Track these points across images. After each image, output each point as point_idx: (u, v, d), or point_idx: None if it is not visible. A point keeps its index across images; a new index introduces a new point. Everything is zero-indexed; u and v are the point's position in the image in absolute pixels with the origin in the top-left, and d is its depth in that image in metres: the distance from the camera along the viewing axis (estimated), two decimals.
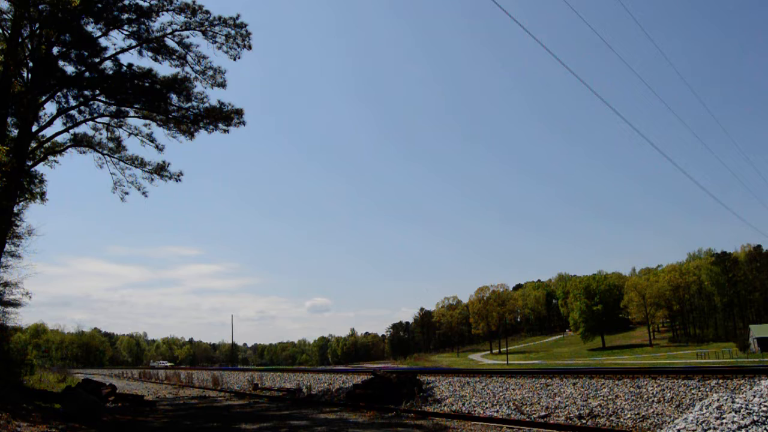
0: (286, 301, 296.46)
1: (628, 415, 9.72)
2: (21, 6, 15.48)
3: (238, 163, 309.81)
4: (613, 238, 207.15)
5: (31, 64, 16.99)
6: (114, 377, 44.19)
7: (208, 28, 18.50)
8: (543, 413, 10.79)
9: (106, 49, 18.45)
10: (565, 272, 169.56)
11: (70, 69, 18.52)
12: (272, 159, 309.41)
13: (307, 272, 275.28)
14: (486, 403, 12.19)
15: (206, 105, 19.50)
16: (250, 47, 19.08)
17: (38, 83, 16.87)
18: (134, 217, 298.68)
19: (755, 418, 5.95)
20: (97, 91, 18.90)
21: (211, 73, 19.26)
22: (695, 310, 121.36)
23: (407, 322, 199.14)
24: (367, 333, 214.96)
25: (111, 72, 18.67)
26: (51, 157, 20.11)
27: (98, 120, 19.71)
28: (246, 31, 18.76)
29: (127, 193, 20.82)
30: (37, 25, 16.73)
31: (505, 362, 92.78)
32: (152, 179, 20.52)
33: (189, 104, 19.40)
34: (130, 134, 20.33)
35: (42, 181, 19.98)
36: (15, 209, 17.33)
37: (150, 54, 18.77)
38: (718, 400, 6.67)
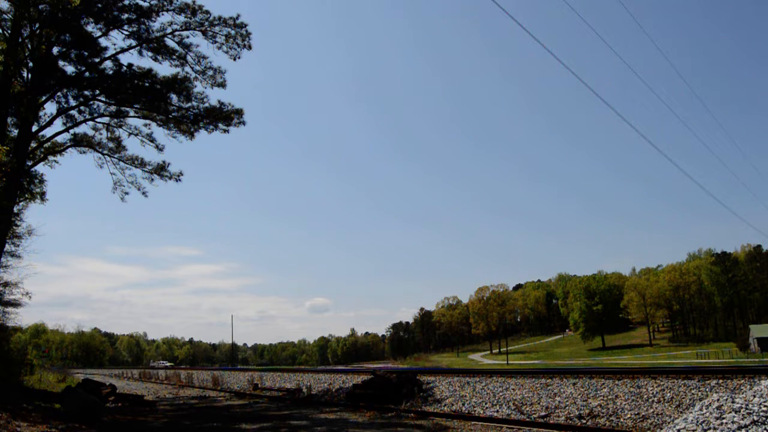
0: (286, 301, 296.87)
1: (628, 415, 9.72)
2: (21, 6, 15.48)
3: (238, 163, 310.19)
4: (613, 238, 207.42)
5: (31, 64, 16.99)
6: (114, 377, 44.19)
7: (208, 28, 18.50)
8: (543, 413, 10.79)
9: (106, 49, 18.47)
10: (565, 272, 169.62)
11: (70, 69, 18.54)
12: (272, 159, 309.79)
13: (307, 272, 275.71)
14: (486, 403, 12.19)
15: (206, 105, 19.51)
16: (250, 47, 19.09)
17: (38, 83, 16.86)
18: (134, 217, 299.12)
19: (755, 418, 5.95)
20: (97, 91, 18.90)
21: (211, 73, 19.28)
22: (695, 310, 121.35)
23: (407, 322, 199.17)
24: (367, 333, 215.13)
25: (111, 72, 18.67)
26: (51, 157, 20.11)
27: (98, 120, 19.72)
28: (246, 31, 18.77)
29: (127, 193, 20.84)
30: (37, 25, 16.72)
31: (505, 362, 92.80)
32: (152, 179, 20.53)
33: (189, 104, 19.41)
34: (130, 134, 20.35)
35: (42, 181, 19.99)
36: (15, 209, 17.32)
37: (150, 54, 18.77)
38: (718, 400, 6.67)
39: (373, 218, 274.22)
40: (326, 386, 18.94)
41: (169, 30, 18.44)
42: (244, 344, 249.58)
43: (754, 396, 6.51)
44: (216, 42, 18.73)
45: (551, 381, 12.81)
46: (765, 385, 6.77)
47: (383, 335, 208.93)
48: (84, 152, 20.42)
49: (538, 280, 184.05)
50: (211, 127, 19.90)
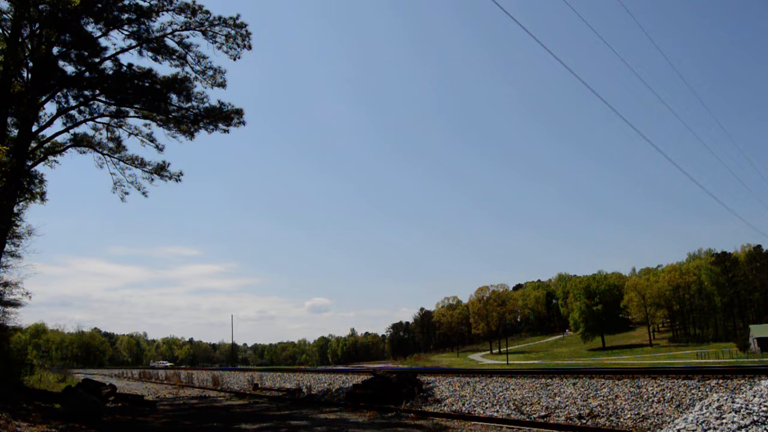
0: (286, 301, 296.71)
1: (628, 415, 9.72)
2: (21, 6, 15.49)
3: (238, 163, 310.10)
4: (613, 238, 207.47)
5: (31, 64, 17.00)
6: (114, 377, 44.19)
7: (208, 28, 18.51)
8: (543, 413, 10.79)
9: (106, 49, 18.49)
10: (565, 272, 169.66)
11: (70, 69, 18.57)
12: (272, 159, 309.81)
13: (307, 272, 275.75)
14: (486, 403, 12.19)
15: (206, 105, 19.54)
16: (250, 47, 19.11)
17: (38, 83, 16.87)
18: (134, 217, 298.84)
19: (755, 418, 5.95)
20: (97, 91, 18.92)
21: (211, 73, 19.30)
22: (695, 310, 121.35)
23: (407, 322, 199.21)
24: (367, 333, 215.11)
25: (111, 72, 18.69)
26: (51, 157, 20.13)
27: (98, 120, 19.75)
28: (246, 31, 18.79)
29: (127, 193, 20.87)
30: (37, 25, 16.74)
31: (505, 362, 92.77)
32: (152, 179, 20.55)
33: (189, 104, 19.43)
34: (130, 134, 20.38)
35: (42, 181, 20.00)
36: (15, 209, 17.33)
37: (150, 54, 18.79)
38: (718, 400, 6.67)
39: (373, 218, 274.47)
40: (326, 386, 18.94)
41: (169, 30, 18.46)
42: (244, 344, 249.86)
43: (754, 396, 6.52)
44: (216, 42, 18.75)
45: (551, 381, 12.81)
46: (765, 385, 6.77)
47: (383, 335, 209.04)
48: (84, 152, 20.45)
49: (538, 280, 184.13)
50: (211, 127, 19.91)
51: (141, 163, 20.50)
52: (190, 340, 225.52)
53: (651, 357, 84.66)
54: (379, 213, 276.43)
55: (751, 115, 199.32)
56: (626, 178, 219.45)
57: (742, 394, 6.81)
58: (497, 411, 11.51)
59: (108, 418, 13.04)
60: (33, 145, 18.31)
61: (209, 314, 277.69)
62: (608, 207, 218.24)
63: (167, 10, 18.09)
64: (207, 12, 18.31)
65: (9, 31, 16.23)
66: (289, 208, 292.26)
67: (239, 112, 19.75)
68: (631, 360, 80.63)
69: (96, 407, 12.78)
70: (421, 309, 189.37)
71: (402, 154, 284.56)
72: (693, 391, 10.05)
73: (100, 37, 18.14)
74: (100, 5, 17.50)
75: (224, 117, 19.68)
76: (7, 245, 17.07)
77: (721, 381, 10.26)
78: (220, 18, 18.45)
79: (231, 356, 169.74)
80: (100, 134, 20.43)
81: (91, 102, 19.14)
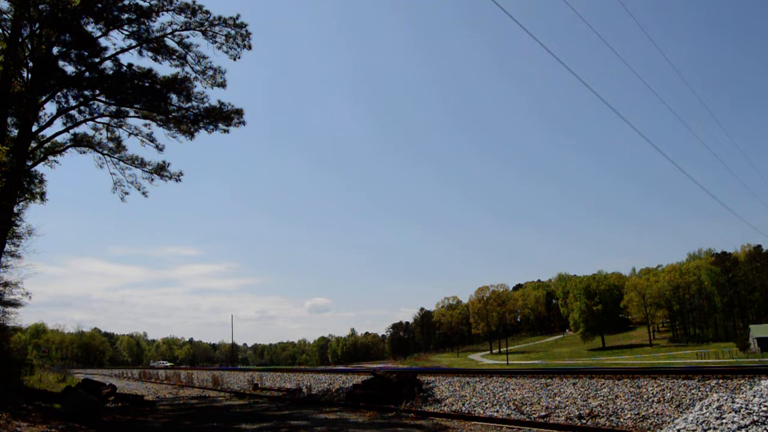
0: (286, 301, 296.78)
1: (628, 415, 9.72)
2: (21, 6, 15.48)
3: (238, 163, 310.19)
4: (613, 238, 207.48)
5: (31, 64, 16.99)
6: (114, 377, 44.19)
7: (208, 28, 18.50)
8: (543, 413, 10.79)
9: (106, 49, 18.47)
10: (565, 272, 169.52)
11: (70, 69, 18.54)
12: (272, 159, 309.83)
13: (307, 272, 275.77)
14: (486, 403, 12.19)
15: (206, 105, 19.52)
16: (250, 47, 19.10)
17: (38, 83, 16.86)
18: (134, 217, 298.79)
19: (755, 418, 5.95)
20: (97, 91, 18.91)
21: (211, 73, 19.28)
22: (695, 310, 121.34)
23: (407, 322, 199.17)
24: (367, 333, 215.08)
25: (111, 72, 18.68)
26: (51, 157, 20.11)
27: (98, 120, 19.73)
28: (246, 31, 18.77)
29: (127, 193, 20.85)
30: (37, 25, 16.72)
31: (505, 362, 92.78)
32: (152, 179, 20.53)
33: (189, 104, 19.41)
34: (130, 134, 20.36)
35: (42, 181, 19.99)
36: (15, 209, 17.31)
37: (150, 54, 18.77)
38: (718, 400, 6.67)
39: (373, 218, 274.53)
40: (326, 386, 18.94)
41: (169, 30, 18.45)
42: (244, 344, 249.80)
43: (754, 396, 6.51)
44: (216, 42, 18.73)
45: (551, 381, 12.80)
46: (765, 385, 6.77)
47: (383, 335, 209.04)
48: (84, 152, 20.43)
49: (538, 280, 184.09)
50: (211, 127, 19.90)
51: (141, 163, 20.50)
52: (190, 340, 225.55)
53: (651, 357, 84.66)
54: (380, 213, 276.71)
55: (752, 115, 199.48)
56: (626, 177, 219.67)
57: (742, 394, 6.81)
58: (497, 411, 11.51)
59: (108, 418, 13.04)
60: (33, 145, 18.30)
61: (209, 314, 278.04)
62: (608, 206, 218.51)
63: (167, 10, 18.08)
64: (207, 12, 18.31)
65: (9, 31, 16.22)
66: (289, 207, 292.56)
67: (239, 112, 19.74)
68: (631, 360, 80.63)
69: (96, 407, 12.78)
70: (421, 309, 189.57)
71: (402, 153, 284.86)
72: (693, 391, 10.05)
73: (100, 37, 18.14)
74: (100, 5, 17.49)
75: (224, 117, 19.67)
76: (7, 245, 17.06)
77: (721, 381, 10.25)
78: (220, 18, 18.44)
79: (231, 356, 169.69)
80: (100, 134, 20.44)
81: (91, 102, 19.13)
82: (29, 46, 16.81)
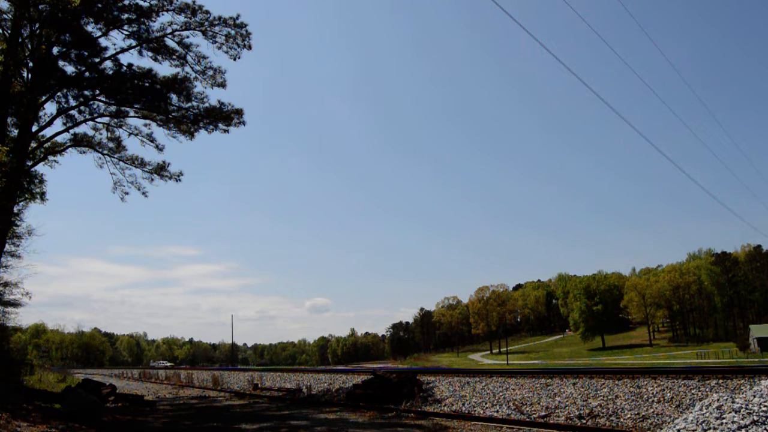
0: (286, 301, 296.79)
1: (628, 415, 9.72)
2: (21, 6, 15.48)
3: (238, 163, 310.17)
4: (613, 238, 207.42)
5: (31, 64, 16.98)
6: (114, 377, 44.19)
7: (208, 28, 18.50)
8: (543, 413, 10.79)
9: (106, 49, 18.47)
10: (565, 272, 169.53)
11: (70, 69, 18.54)
12: (272, 159, 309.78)
13: (307, 272, 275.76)
14: (486, 403, 12.19)
15: (206, 105, 19.52)
16: (250, 47, 19.09)
17: (38, 83, 16.86)
18: (134, 217, 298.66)
19: (755, 418, 5.95)
20: (97, 91, 18.91)
21: (211, 73, 19.28)
22: (695, 310, 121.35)
23: (407, 322, 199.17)
24: (367, 333, 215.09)
25: (111, 72, 18.68)
26: (51, 157, 20.11)
27: (98, 120, 19.73)
28: (246, 31, 18.77)
29: (127, 193, 20.85)
30: (37, 25, 16.72)
31: (505, 362, 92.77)
32: (152, 179, 20.53)
33: (189, 104, 19.41)
34: (130, 134, 20.36)
35: (42, 181, 19.99)
36: (15, 209, 17.32)
37: (150, 54, 18.77)
38: (718, 400, 6.67)
39: (374, 218, 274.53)
40: (326, 386, 18.94)
41: (169, 30, 18.45)
42: (244, 344, 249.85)
43: (754, 396, 6.51)
44: (216, 42, 18.73)
45: (551, 381, 12.80)
46: (765, 385, 6.77)
47: (383, 335, 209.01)
48: (84, 152, 20.43)
49: (538, 280, 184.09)
50: (211, 127, 19.90)
51: (141, 163, 20.49)
52: (190, 340, 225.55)
53: (651, 357, 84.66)
54: (380, 212, 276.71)
55: (752, 114, 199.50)
56: (626, 177, 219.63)
57: (742, 394, 6.81)
58: (497, 411, 11.51)
59: (108, 418, 13.04)
60: (33, 145, 18.29)
61: (209, 314, 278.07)
62: (608, 207, 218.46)
63: (167, 10, 18.08)
64: (207, 12, 18.30)
65: (9, 31, 16.22)
66: (289, 207, 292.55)
67: (239, 112, 19.74)
68: (631, 360, 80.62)
69: (96, 407, 12.78)
70: (421, 309, 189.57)
71: (402, 153, 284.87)
72: (693, 391, 10.05)
73: (100, 37, 18.14)
74: (100, 5, 17.49)
75: (224, 117, 19.67)
76: (7, 245, 17.06)
77: (721, 381, 10.25)
78: (220, 18, 18.44)
79: (231, 356, 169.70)
80: (100, 134, 20.44)
81: (91, 102, 19.13)
82: (29, 46, 16.81)
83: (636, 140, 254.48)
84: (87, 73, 18.53)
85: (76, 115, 19.22)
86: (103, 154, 20.47)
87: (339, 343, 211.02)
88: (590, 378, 12.39)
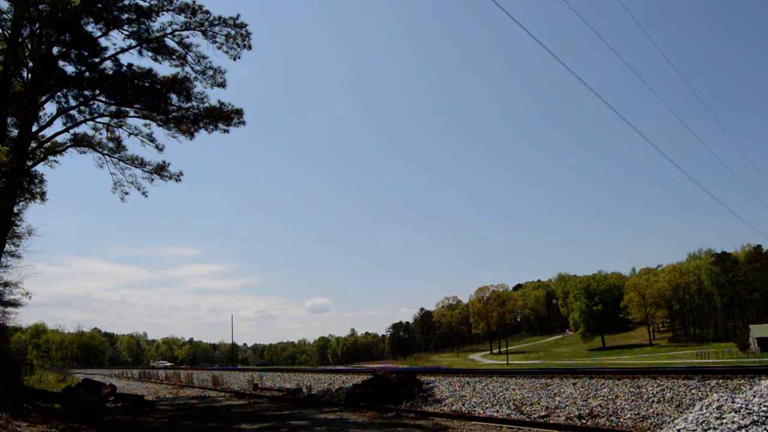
0: (286, 301, 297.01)
1: (628, 415, 9.72)
2: (21, 6, 15.48)
3: (238, 163, 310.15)
4: (613, 238, 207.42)
5: (31, 64, 16.98)
6: (114, 377, 44.20)
7: (208, 28, 18.50)
8: (543, 413, 10.79)
9: (106, 49, 18.47)
10: (565, 272, 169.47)
11: (70, 69, 18.55)
12: (272, 159, 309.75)
13: (307, 272, 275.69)
14: (486, 403, 12.19)
15: (206, 105, 19.51)
16: (250, 47, 19.10)
17: (38, 83, 16.86)
18: (134, 217, 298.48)
19: (755, 418, 5.94)
20: (97, 91, 18.91)
21: (211, 73, 19.28)
22: (695, 310, 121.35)
23: (407, 322, 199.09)
24: (367, 333, 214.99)
25: (111, 72, 18.68)
26: (51, 157, 20.10)
27: (98, 120, 19.72)
28: (246, 31, 18.77)
29: (127, 193, 20.84)
30: (37, 25, 16.72)
31: (505, 362, 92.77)
32: (152, 179, 20.53)
33: (189, 104, 19.41)
34: (130, 134, 20.35)
35: (42, 181, 19.96)
36: (15, 209, 17.32)
37: (150, 54, 18.77)
38: (718, 400, 6.67)
39: (373, 218, 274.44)
40: (326, 386, 18.94)
41: (169, 30, 18.45)
42: (244, 344, 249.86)
43: (754, 396, 6.51)
44: (216, 42, 18.73)
45: (551, 381, 12.80)
46: (765, 385, 6.77)
47: (383, 335, 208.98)
48: (84, 152, 20.43)
49: (538, 280, 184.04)
50: (211, 127, 19.90)
51: (141, 163, 20.49)
52: (190, 340, 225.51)
53: (651, 357, 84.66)
54: (380, 213, 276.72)
55: (752, 114, 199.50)
56: (626, 177, 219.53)
57: (742, 394, 6.81)
58: (497, 411, 11.51)
59: (108, 418, 13.04)
60: (33, 145, 18.29)
61: (209, 314, 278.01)
62: (608, 207, 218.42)
63: (167, 10, 18.09)
64: (207, 12, 18.31)
65: (9, 31, 16.22)
66: (290, 208, 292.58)
67: (239, 112, 19.74)
68: (631, 360, 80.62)
69: (96, 407, 12.77)
70: (421, 309, 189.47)
71: (402, 153, 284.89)
72: (693, 391, 10.05)
73: (100, 37, 18.14)
74: (100, 5, 17.49)
75: (224, 117, 19.66)
76: (7, 245, 17.07)
77: (721, 381, 10.25)
78: (220, 18, 18.44)
79: (231, 356, 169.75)
80: (100, 134, 20.43)
81: (91, 102, 19.12)
82: (29, 46, 16.81)
83: (636, 140, 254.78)
84: (87, 73, 18.53)
85: (76, 115, 19.23)
86: (103, 154, 20.47)
87: (339, 343, 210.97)
88: (590, 378, 12.39)
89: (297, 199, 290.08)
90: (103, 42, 18.36)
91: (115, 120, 19.95)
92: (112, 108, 19.38)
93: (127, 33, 18.24)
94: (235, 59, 19.04)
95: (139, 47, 18.48)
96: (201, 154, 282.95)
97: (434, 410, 12.46)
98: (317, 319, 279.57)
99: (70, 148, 19.92)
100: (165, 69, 24.75)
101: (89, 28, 17.96)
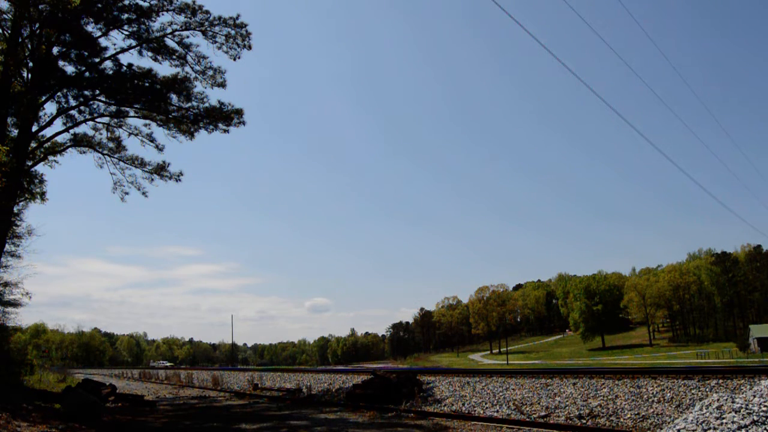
0: (286, 301, 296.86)
1: (628, 415, 9.72)
2: (21, 6, 15.48)
3: (238, 163, 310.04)
4: (613, 238, 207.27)
5: (31, 64, 16.99)
6: (114, 377, 44.20)
7: (208, 28, 18.51)
8: (543, 413, 10.79)
9: (106, 49, 18.48)
10: (565, 272, 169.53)
11: (70, 69, 18.56)
12: (272, 159, 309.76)
13: (307, 272, 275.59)
14: (486, 403, 12.19)
15: (206, 105, 19.53)
16: (250, 47, 19.11)
17: (38, 83, 16.87)
18: (134, 217, 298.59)
19: (755, 418, 5.94)
20: (97, 91, 18.91)
21: (211, 73, 19.29)
22: (695, 310, 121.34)
23: (407, 322, 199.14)
24: (367, 333, 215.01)
25: (111, 72, 18.69)
26: (51, 157, 20.12)
27: (98, 120, 19.74)
28: (246, 31, 18.79)
29: (127, 193, 20.86)
30: (37, 25, 16.73)
31: (505, 362, 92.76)
32: (152, 179, 20.54)
33: (189, 104, 19.42)
34: (130, 134, 20.37)
35: (42, 181, 19.99)
36: (15, 209, 17.33)
37: (150, 54, 18.79)
38: (718, 400, 6.67)
39: (373, 218, 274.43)
40: (326, 386, 18.94)
41: (169, 30, 18.46)
42: (244, 344, 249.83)
43: (754, 396, 6.51)
44: (216, 42, 18.75)
45: (551, 381, 12.81)
46: (765, 385, 6.77)
47: (383, 335, 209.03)
48: (84, 152, 20.45)
49: (538, 280, 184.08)
50: (211, 127, 19.91)
51: (141, 163, 20.51)
52: (190, 340, 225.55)
53: (651, 357, 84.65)
54: (380, 212, 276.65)
55: (752, 114, 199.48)
56: (626, 177, 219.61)
57: (742, 394, 6.81)
58: (497, 411, 11.51)
59: (108, 418, 13.04)
60: (33, 145, 18.30)
61: (209, 314, 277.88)
62: (608, 207, 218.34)
63: (167, 10, 18.10)
64: (207, 12, 18.33)
65: (9, 31, 16.23)
66: (290, 207, 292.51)
67: (239, 112, 19.75)
68: (631, 360, 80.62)
69: (96, 407, 12.77)
70: (421, 309, 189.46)
71: (402, 153, 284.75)
72: (693, 391, 10.05)
73: (100, 37, 18.16)
74: (100, 5, 17.50)
75: (224, 117, 19.68)
76: (7, 245, 17.08)
77: (721, 381, 10.26)
78: (220, 18, 18.45)
79: (231, 356, 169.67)
80: (100, 134, 20.45)
81: (91, 102, 19.13)
82: (29, 46, 16.82)
83: (636, 140, 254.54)
84: (87, 73, 18.54)
85: (76, 115, 19.24)
86: (103, 154, 20.49)
87: (339, 343, 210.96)
88: (590, 378, 12.39)
89: (297, 198, 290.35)
90: (103, 42, 18.40)
91: (115, 120, 19.97)
92: (112, 108, 19.39)
93: (127, 33, 18.26)
94: (235, 59, 19.07)
95: (139, 47, 18.49)
96: (201, 154, 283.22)
97: (434, 410, 12.46)
98: (317, 319, 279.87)
99: (70, 148, 19.95)
100: (165, 69, 24.81)
101: (89, 28, 17.99)
